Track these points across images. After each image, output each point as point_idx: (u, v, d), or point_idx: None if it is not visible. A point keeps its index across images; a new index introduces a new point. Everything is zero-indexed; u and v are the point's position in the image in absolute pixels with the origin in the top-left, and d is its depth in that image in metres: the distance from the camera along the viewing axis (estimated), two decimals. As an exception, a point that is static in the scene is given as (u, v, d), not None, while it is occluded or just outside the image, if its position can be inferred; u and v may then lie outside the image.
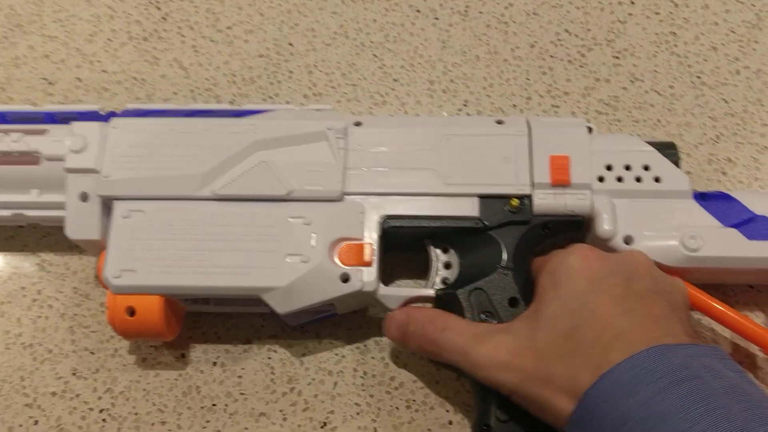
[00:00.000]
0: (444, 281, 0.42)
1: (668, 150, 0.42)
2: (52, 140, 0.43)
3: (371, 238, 0.40)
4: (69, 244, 0.42)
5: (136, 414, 0.43)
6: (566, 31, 0.52)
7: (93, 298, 0.46)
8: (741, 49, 0.51)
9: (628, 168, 0.41)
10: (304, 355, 0.44)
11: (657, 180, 0.41)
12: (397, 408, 0.43)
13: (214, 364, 0.44)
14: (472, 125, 0.43)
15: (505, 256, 0.40)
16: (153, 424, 0.43)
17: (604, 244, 0.41)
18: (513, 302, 0.39)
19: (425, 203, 0.41)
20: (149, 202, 0.41)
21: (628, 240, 0.40)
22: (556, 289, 0.35)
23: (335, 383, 0.43)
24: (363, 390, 0.43)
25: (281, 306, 0.39)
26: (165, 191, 0.41)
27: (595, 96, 0.50)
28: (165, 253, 0.40)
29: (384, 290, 0.41)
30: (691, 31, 0.51)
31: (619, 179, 0.41)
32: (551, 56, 0.51)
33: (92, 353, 0.44)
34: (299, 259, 0.40)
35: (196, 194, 0.41)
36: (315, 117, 0.43)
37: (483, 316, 0.39)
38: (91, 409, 0.43)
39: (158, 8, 0.52)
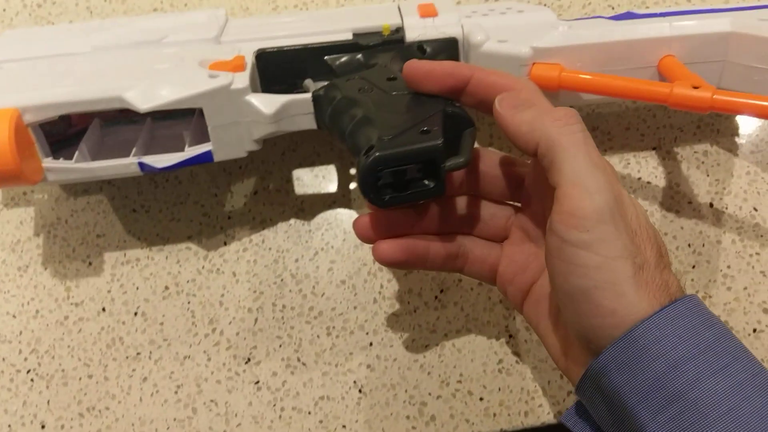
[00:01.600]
0: None
1: None
2: None
3: (246, 57, 0.40)
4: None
5: (62, 371, 0.44)
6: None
7: (9, 264, 0.46)
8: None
9: (492, 10, 0.44)
10: (222, 295, 0.45)
11: (520, 12, 0.44)
12: (318, 336, 0.44)
13: (135, 314, 0.44)
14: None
15: (384, 60, 0.41)
16: (80, 378, 0.43)
17: (476, 50, 0.41)
18: (392, 79, 0.37)
19: (300, 41, 0.41)
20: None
21: (502, 41, 0.41)
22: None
23: (256, 319, 0.44)
24: (283, 323, 0.44)
25: (142, 101, 0.36)
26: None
27: None
28: (20, 74, 0.39)
29: (256, 96, 0.38)
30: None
31: (485, 15, 0.43)
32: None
33: (14, 317, 0.45)
34: (167, 66, 0.39)
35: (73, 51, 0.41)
36: None
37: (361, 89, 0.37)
38: (18, 371, 0.44)
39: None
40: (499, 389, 0.42)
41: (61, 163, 0.39)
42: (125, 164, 0.39)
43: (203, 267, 0.45)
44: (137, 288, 0.45)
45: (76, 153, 0.39)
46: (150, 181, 0.47)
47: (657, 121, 0.47)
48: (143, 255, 0.45)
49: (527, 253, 0.37)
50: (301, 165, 0.47)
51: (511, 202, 0.38)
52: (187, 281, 0.45)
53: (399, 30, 0.42)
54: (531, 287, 0.36)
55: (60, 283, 0.45)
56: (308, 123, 0.39)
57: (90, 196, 0.46)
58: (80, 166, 0.39)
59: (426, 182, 0.33)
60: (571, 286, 0.30)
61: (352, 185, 0.46)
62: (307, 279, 0.45)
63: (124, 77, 0.38)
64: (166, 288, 0.45)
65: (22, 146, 0.36)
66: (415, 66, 0.35)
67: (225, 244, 0.45)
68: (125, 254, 0.45)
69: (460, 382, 0.43)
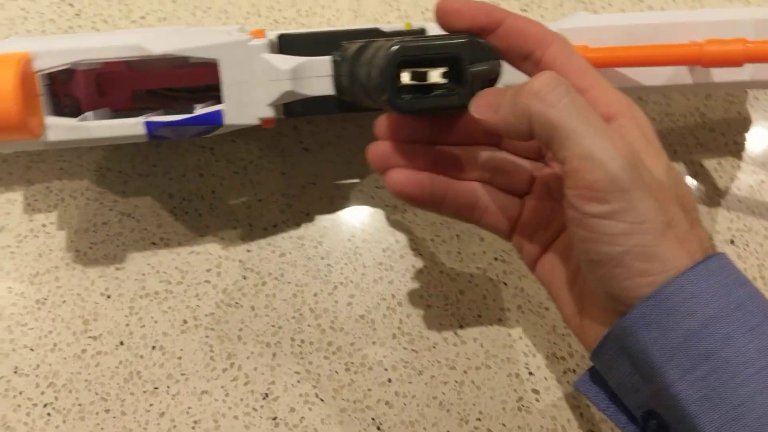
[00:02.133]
0: None
1: None
2: None
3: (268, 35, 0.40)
4: None
5: (79, 405, 0.43)
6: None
7: (28, 296, 0.46)
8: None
9: None
10: (241, 330, 0.44)
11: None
12: (337, 372, 0.43)
13: (153, 348, 0.44)
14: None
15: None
16: (97, 413, 0.43)
17: None
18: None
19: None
20: None
21: None
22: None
23: (274, 354, 0.44)
24: (302, 358, 0.44)
25: (157, 46, 0.37)
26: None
27: None
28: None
29: (273, 55, 0.39)
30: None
31: None
32: None
33: (32, 350, 0.45)
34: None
35: None
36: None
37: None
38: (35, 405, 0.43)
39: (71, 5, 0.52)
40: (519, 427, 0.42)
41: (64, 121, 0.38)
42: (131, 124, 0.38)
43: (222, 301, 0.45)
44: (156, 321, 0.45)
45: (80, 116, 0.39)
46: (170, 213, 0.47)
47: (677, 156, 0.47)
48: (162, 288, 0.45)
49: (550, 210, 0.35)
50: (320, 198, 0.47)
51: (536, 159, 0.37)
52: (206, 315, 0.45)
53: (422, 30, 0.42)
54: (550, 245, 0.35)
55: (78, 317, 0.45)
56: (326, 87, 0.39)
57: (109, 228, 0.46)
58: (83, 124, 0.38)
59: (449, 88, 0.32)
60: (599, 254, 0.29)
61: (372, 220, 0.46)
62: (325, 313, 0.45)
63: (143, 34, 0.39)
64: (185, 322, 0.45)
65: (27, 95, 0.36)
66: (448, 0, 0.33)
67: (244, 278, 0.45)
68: (144, 287, 0.45)
69: (479, 419, 0.42)
